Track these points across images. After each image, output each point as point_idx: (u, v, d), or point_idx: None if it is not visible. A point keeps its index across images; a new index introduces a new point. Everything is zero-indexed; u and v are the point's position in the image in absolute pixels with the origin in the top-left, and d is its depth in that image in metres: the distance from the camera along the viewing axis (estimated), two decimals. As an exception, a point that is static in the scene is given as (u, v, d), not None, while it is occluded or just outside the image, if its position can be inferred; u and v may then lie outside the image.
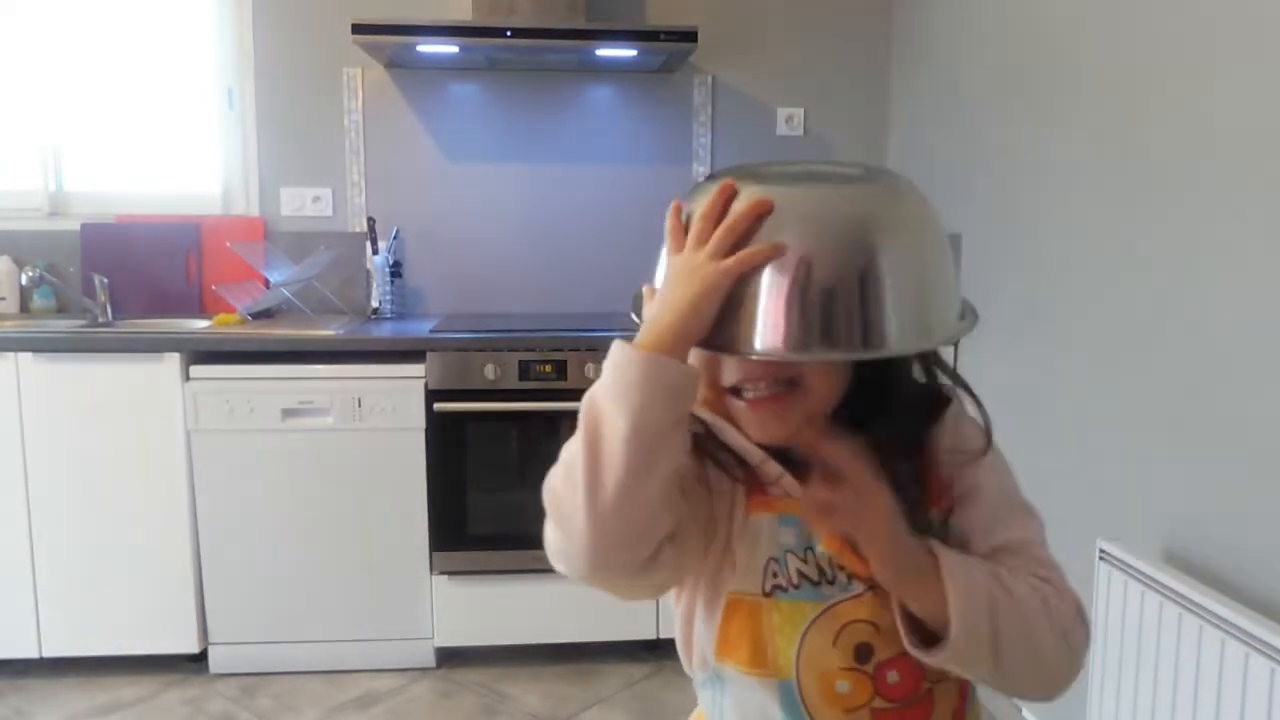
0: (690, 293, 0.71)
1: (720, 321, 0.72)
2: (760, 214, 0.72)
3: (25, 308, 2.90)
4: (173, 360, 2.45)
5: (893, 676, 0.79)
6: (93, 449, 2.46)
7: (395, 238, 2.95)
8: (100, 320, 2.80)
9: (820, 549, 0.80)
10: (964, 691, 0.84)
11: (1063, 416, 2.03)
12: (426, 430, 2.50)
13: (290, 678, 2.56)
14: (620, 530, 0.71)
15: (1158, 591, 1.52)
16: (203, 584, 2.53)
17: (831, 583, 0.80)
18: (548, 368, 2.51)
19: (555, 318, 2.91)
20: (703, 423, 0.80)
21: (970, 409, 0.86)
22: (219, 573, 2.53)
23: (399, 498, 2.53)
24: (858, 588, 0.79)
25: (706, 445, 0.82)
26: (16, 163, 2.95)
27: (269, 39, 2.93)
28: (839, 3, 3.08)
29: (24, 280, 2.80)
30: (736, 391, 0.79)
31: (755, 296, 0.72)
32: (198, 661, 2.59)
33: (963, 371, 0.87)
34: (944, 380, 0.86)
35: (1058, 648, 0.76)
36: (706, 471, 0.82)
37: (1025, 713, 2.18)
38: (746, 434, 0.80)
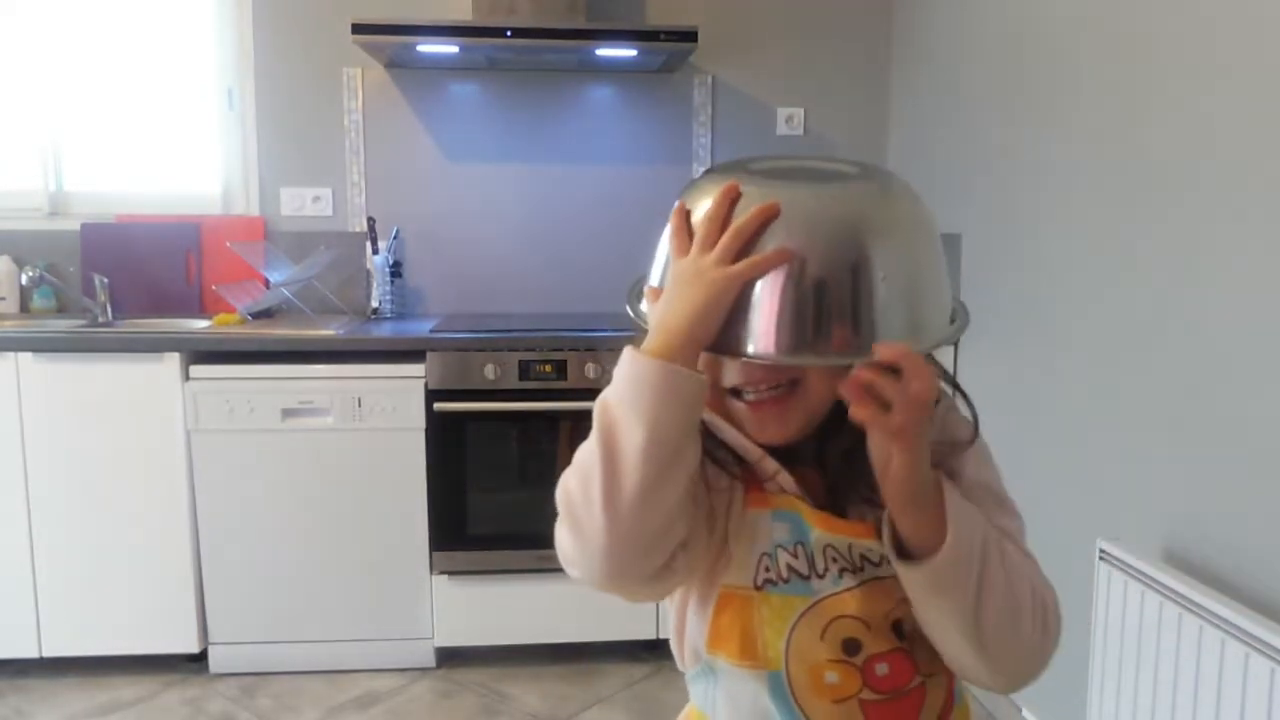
0: (699, 298, 0.71)
1: (730, 327, 0.73)
2: (767, 219, 0.72)
3: (25, 308, 2.90)
4: (173, 360, 2.45)
5: (881, 669, 0.80)
6: (93, 449, 2.46)
7: (395, 238, 2.96)
8: (100, 320, 2.80)
9: (811, 542, 0.80)
10: (950, 687, 0.85)
11: (1063, 416, 2.03)
12: (426, 430, 2.50)
13: (290, 678, 2.56)
14: (637, 539, 0.71)
15: (1158, 591, 1.52)
16: (203, 584, 2.54)
17: (821, 576, 0.80)
18: (548, 368, 2.51)
19: (555, 318, 2.91)
20: (701, 421, 0.80)
21: (962, 408, 0.87)
22: (219, 573, 2.53)
23: (399, 498, 2.53)
24: (848, 581, 0.80)
25: (705, 443, 0.82)
26: (16, 163, 2.96)
27: (269, 39, 2.93)
28: (839, 3, 3.08)
29: (24, 280, 2.80)
30: (736, 392, 0.79)
31: (751, 298, 0.72)
32: (198, 661, 2.59)
33: (963, 371, 0.87)
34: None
35: (1034, 617, 0.77)
36: (705, 470, 0.82)
37: (1025, 712, 2.18)
38: (745, 433, 0.81)
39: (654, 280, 0.81)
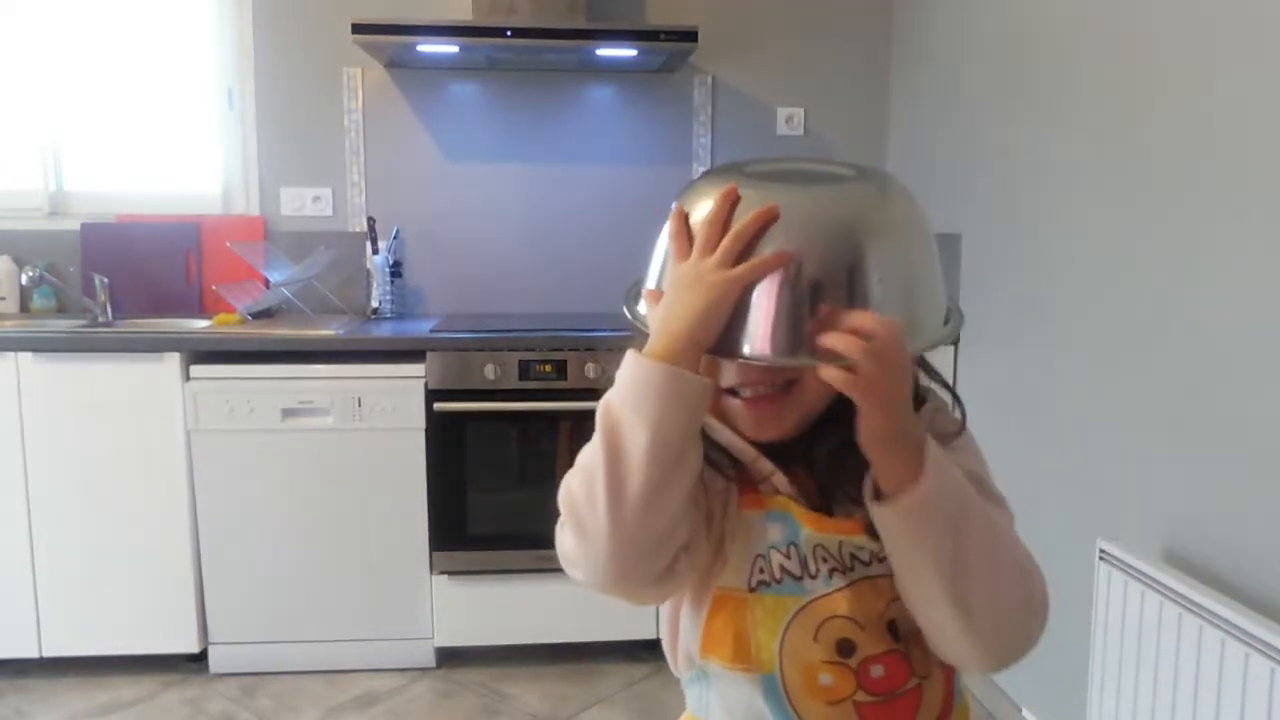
0: (700, 301, 0.72)
1: (728, 330, 0.73)
2: (767, 221, 0.73)
3: (25, 308, 2.90)
4: (173, 360, 2.45)
5: (876, 671, 0.80)
6: (93, 449, 2.46)
7: (395, 238, 2.96)
8: (100, 320, 2.80)
9: (803, 543, 0.80)
10: (949, 687, 0.85)
11: (1063, 416, 2.03)
12: (426, 430, 2.50)
13: (290, 678, 2.56)
14: (641, 541, 0.72)
15: (1158, 591, 1.52)
16: (203, 584, 2.54)
17: (814, 577, 0.80)
18: (548, 368, 2.51)
19: (555, 318, 2.91)
20: None
21: (952, 406, 0.88)
22: (219, 573, 2.53)
23: (399, 498, 2.53)
24: (838, 581, 0.80)
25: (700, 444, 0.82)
26: (16, 163, 2.96)
27: (269, 39, 2.94)
28: (839, 3, 3.08)
29: (24, 280, 2.80)
30: (733, 391, 0.80)
31: (748, 300, 0.73)
32: (198, 661, 2.59)
33: (962, 371, 0.87)
34: (923, 380, 0.87)
35: (1017, 584, 0.75)
36: (702, 472, 0.82)
37: (1025, 712, 2.18)
38: (741, 433, 0.81)
39: (651, 283, 0.81)
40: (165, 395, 2.46)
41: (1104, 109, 1.87)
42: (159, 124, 3.01)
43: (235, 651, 2.57)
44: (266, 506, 2.51)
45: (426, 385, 2.49)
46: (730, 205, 0.74)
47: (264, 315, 2.85)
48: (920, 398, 0.85)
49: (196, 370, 2.46)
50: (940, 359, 0.85)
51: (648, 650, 2.66)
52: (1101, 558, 1.68)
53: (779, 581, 0.81)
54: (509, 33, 2.59)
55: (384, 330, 2.66)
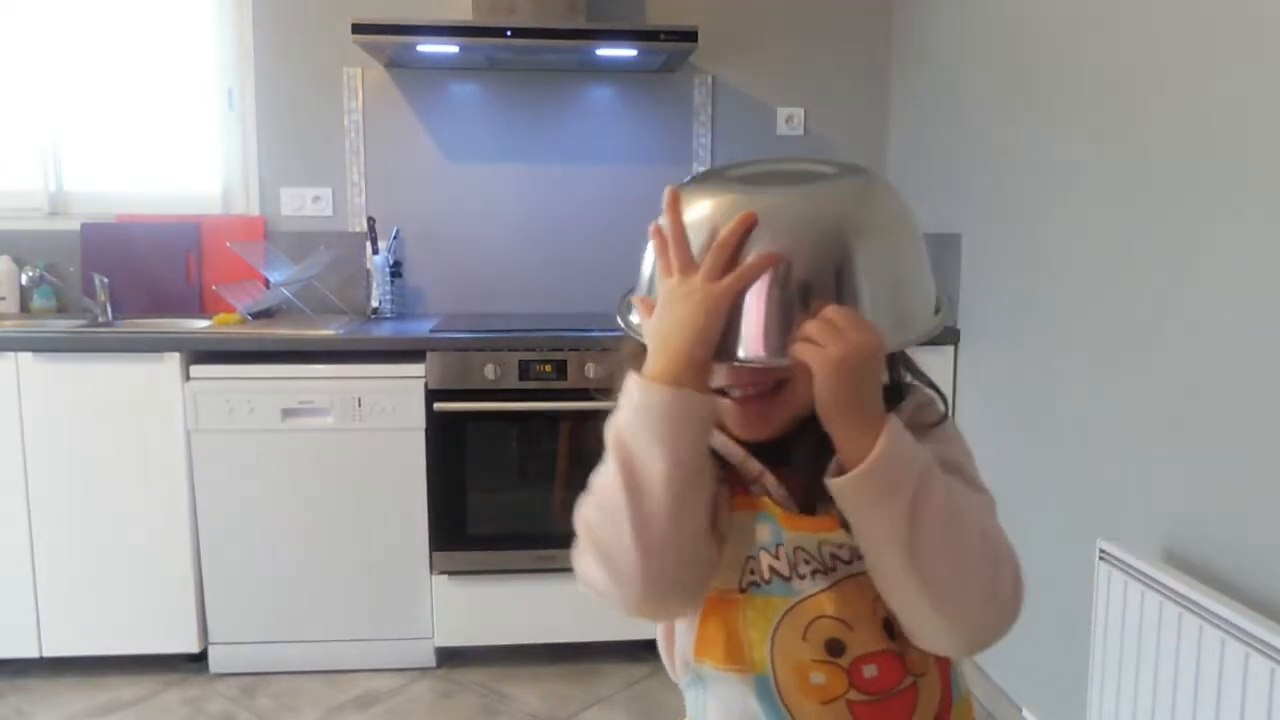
0: (695, 317, 0.73)
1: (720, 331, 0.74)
2: (748, 228, 0.74)
3: (25, 308, 2.90)
4: (173, 360, 2.45)
5: (869, 670, 0.80)
6: (93, 449, 2.46)
7: (395, 238, 2.96)
8: (100, 320, 2.80)
9: (785, 543, 0.81)
10: (946, 685, 0.85)
11: (1063, 416, 2.03)
12: (426, 430, 2.50)
13: (290, 678, 2.56)
14: (673, 565, 0.74)
15: (1158, 591, 1.52)
16: (203, 584, 2.54)
17: (803, 578, 0.80)
18: (548, 368, 2.51)
19: (555, 318, 2.91)
20: None
21: (938, 401, 0.89)
22: (219, 573, 2.53)
23: (399, 498, 2.53)
24: (820, 583, 0.80)
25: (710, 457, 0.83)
26: (16, 163, 2.96)
27: (269, 39, 2.94)
28: (839, 3, 3.08)
29: (24, 280, 2.80)
30: (721, 391, 0.80)
31: (739, 303, 0.74)
32: (198, 661, 2.59)
33: (962, 371, 0.88)
34: (908, 379, 0.88)
35: (983, 556, 0.74)
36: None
37: (1025, 712, 2.18)
38: (730, 432, 0.82)
39: (641, 291, 0.82)
40: (165, 395, 2.46)
41: (1104, 109, 1.87)
42: (159, 124, 3.01)
43: (235, 651, 2.57)
44: (266, 506, 2.51)
45: (426, 385, 2.49)
46: (677, 218, 0.76)
47: (264, 315, 2.85)
48: (900, 394, 0.86)
49: (196, 370, 2.46)
50: (940, 359, 0.86)
51: (648, 650, 2.65)
52: (1101, 558, 1.68)
53: (768, 582, 0.81)
54: (509, 33, 2.59)
55: (384, 330, 2.66)
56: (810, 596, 0.80)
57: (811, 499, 0.81)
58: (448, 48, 2.69)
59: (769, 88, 3.09)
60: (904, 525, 0.72)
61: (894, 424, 0.72)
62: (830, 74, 3.10)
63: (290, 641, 2.57)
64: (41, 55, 2.94)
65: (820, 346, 0.71)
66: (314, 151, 2.99)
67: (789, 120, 3.10)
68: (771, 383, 0.79)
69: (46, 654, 2.52)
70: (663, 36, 2.63)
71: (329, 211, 3.01)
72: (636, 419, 0.73)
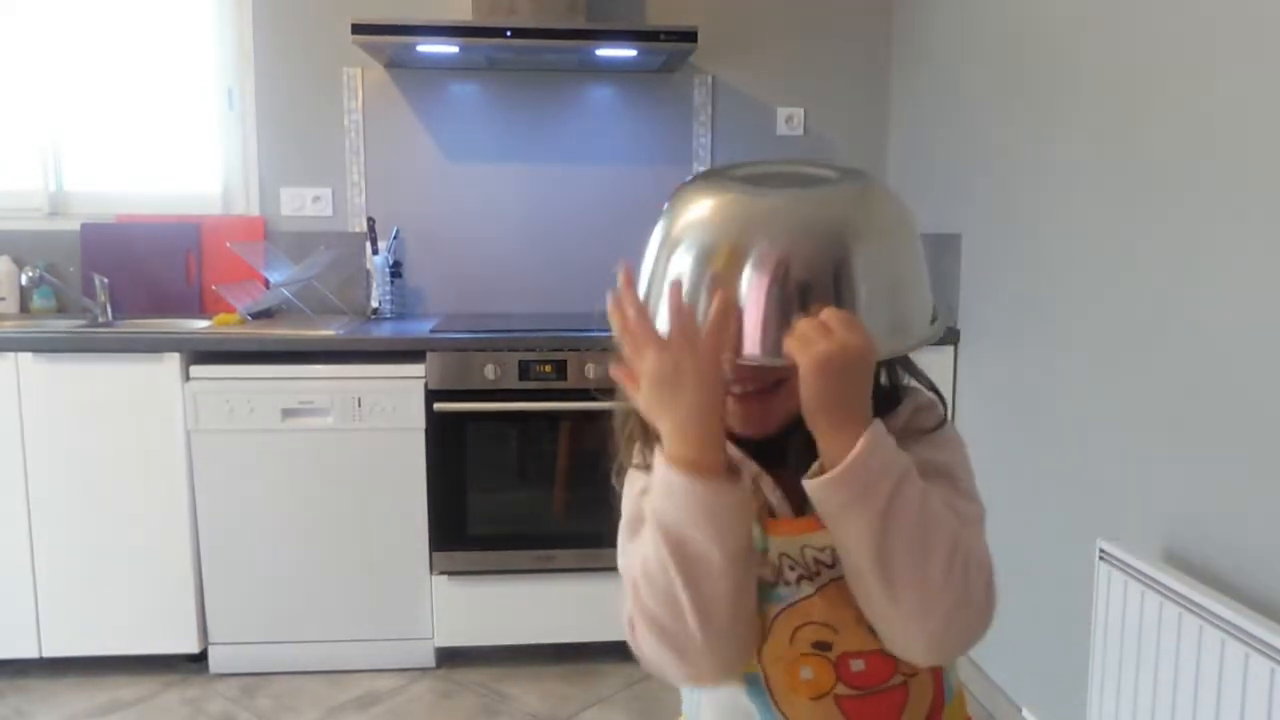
0: (697, 395, 0.73)
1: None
2: (678, 292, 0.74)
3: (25, 308, 2.90)
4: (173, 360, 2.45)
5: (857, 665, 0.81)
6: (93, 449, 2.46)
7: (395, 238, 2.96)
8: (100, 320, 2.80)
9: (771, 548, 0.81)
10: (938, 685, 0.85)
11: (1063, 416, 2.03)
12: (426, 430, 2.50)
13: (290, 678, 2.56)
14: (739, 638, 0.77)
15: (1158, 591, 1.52)
16: (203, 584, 2.54)
17: (789, 584, 0.81)
18: (548, 368, 2.51)
19: (555, 318, 2.91)
20: None
21: (939, 405, 0.89)
22: (219, 573, 2.53)
23: (399, 498, 2.53)
24: (805, 589, 0.81)
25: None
26: (16, 163, 2.96)
27: (269, 39, 2.94)
28: (839, 3, 3.08)
29: (24, 280, 2.80)
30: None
31: (742, 304, 0.75)
32: (198, 661, 2.59)
33: (962, 371, 0.88)
34: (909, 382, 0.88)
35: (950, 564, 0.73)
36: None
37: (1025, 712, 2.18)
38: (730, 428, 0.82)
39: (641, 287, 0.82)
40: (165, 395, 2.46)
41: (1104, 109, 1.87)
42: (159, 124, 3.01)
43: (235, 651, 2.57)
44: (266, 506, 2.51)
45: (426, 385, 2.49)
46: (676, 292, 0.75)
47: (264, 315, 2.85)
48: (896, 396, 0.86)
49: (196, 370, 2.46)
50: (940, 359, 0.86)
51: (648, 650, 2.65)
52: (1101, 558, 1.68)
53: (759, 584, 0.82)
54: (509, 33, 2.59)
55: (384, 330, 2.66)
56: (796, 603, 0.81)
57: (803, 500, 0.82)
58: (448, 48, 2.69)
59: (769, 88, 3.09)
60: (874, 531, 0.72)
61: (876, 429, 0.72)
62: (830, 74, 3.10)
63: (290, 641, 2.57)
64: (41, 55, 2.94)
65: (808, 344, 0.71)
66: (314, 151, 2.99)
67: (789, 120, 3.10)
68: (772, 380, 0.79)
69: (46, 654, 2.52)
70: (663, 36, 2.63)
71: (329, 211, 3.01)
72: (683, 516, 0.73)
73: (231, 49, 2.95)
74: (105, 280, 2.82)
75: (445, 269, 3.05)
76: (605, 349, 2.50)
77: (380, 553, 2.55)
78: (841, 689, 0.81)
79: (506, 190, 3.05)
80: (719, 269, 0.75)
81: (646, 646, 0.77)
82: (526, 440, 2.59)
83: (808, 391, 0.72)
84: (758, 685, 0.82)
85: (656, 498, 0.75)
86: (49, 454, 2.46)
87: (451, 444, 2.53)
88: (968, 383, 2.49)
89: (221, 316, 2.73)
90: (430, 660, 2.62)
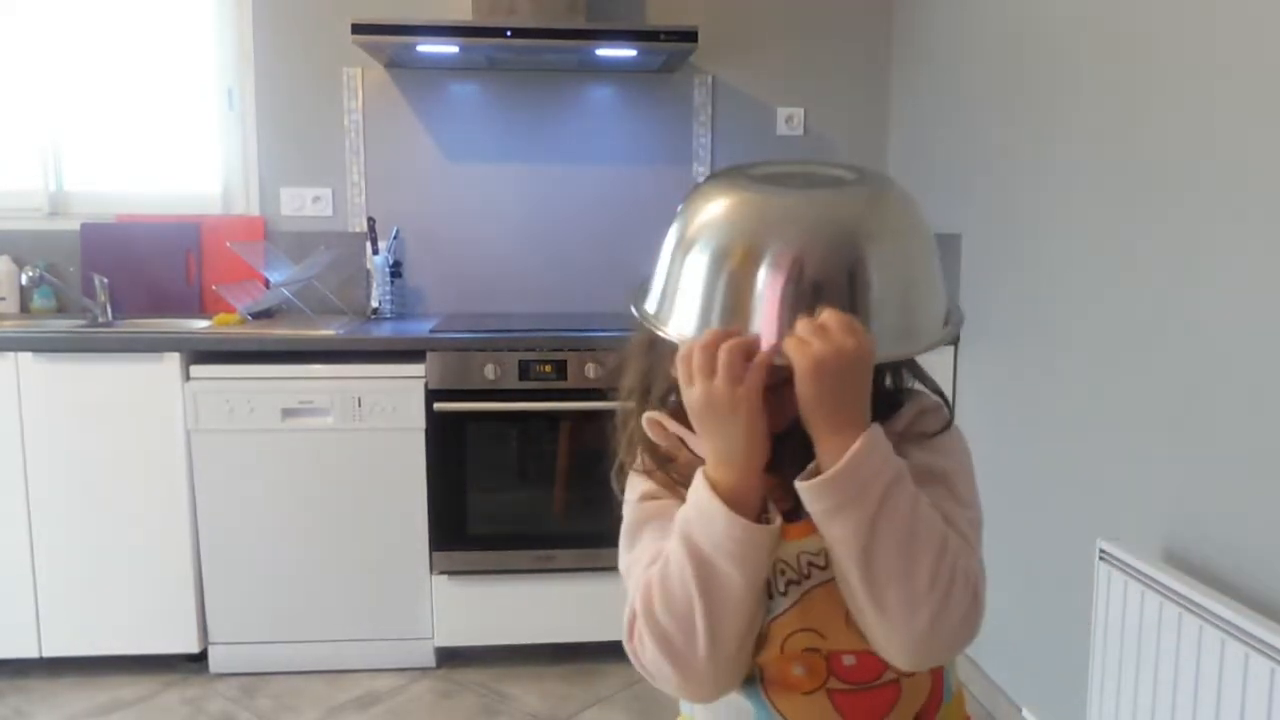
0: (738, 426, 0.74)
1: (724, 324, 0.76)
2: (721, 335, 0.75)
3: (25, 308, 2.90)
4: (173, 360, 2.45)
5: (849, 660, 0.82)
6: (93, 449, 2.46)
7: (395, 238, 2.96)
8: (100, 320, 2.80)
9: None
10: (937, 687, 0.85)
11: (1063, 416, 2.03)
12: (426, 430, 2.50)
13: (290, 678, 2.56)
14: (740, 661, 0.80)
15: (1158, 591, 1.52)
16: (203, 584, 2.54)
17: (783, 593, 0.81)
18: (548, 368, 2.51)
19: (555, 318, 2.91)
20: (680, 440, 0.84)
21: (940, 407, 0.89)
22: (219, 573, 2.53)
23: (399, 498, 2.53)
24: (793, 595, 0.81)
25: (679, 457, 0.85)
26: (16, 163, 2.96)
27: (269, 39, 2.93)
28: (839, 3, 3.08)
29: (24, 280, 2.80)
30: None
31: (752, 302, 0.75)
32: (198, 661, 2.59)
33: (962, 371, 0.88)
34: (914, 385, 0.88)
35: (937, 570, 0.73)
36: (682, 491, 0.84)
37: (1025, 712, 2.18)
38: None
39: (659, 281, 0.83)
40: (165, 395, 2.46)
41: (1104, 109, 1.87)
42: (159, 124, 3.01)
43: (235, 651, 2.57)
44: (266, 506, 2.51)
45: (426, 385, 2.49)
46: (718, 340, 0.75)
47: (264, 315, 2.85)
48: (898, 400, 0.86)
49: (196, 370, 2.46)
50: (940, 359, 0.86)
51: (648, 650, 2.65)
52: (1101, 558, 1.68)
53: None
54: (509, 33, 2.59)
55: (384, 330, 2.66)
56: (785, 611, 0.81)
57: (795, 503, 0.82)
58: (448, 48, 2.69)
59: (769, 88, 3.09)
60: (862, 536, 0.72)
61: (872, 434, 0.73)
62: (830, 74, 3.10)
63: (290, 641, 2.57)
64: (41, 55, 2.94)
65: (804, 346, 0.72)
66: (314, 151, 2.99)
67: (789, 120, 3.10)
68: (784, 379, 0.79)
69: (46, 654, 2.52)
70: (663, 36, 2.63)
71: (329, 211, 3.01)
72: (716, 545, 0.75)
73: (231, 49, 2.95)
74: (105, 280, 2.82)
75: (445, 269, 3.05)
76: (606, 349, 2.51)
77: (380, 553, 2.55)
78: (834, 683, 0.82)
79: (506, 190, 3.05)
80: (734, 268, 0.76)
81: (647, 655, 0.78)
82: (526, 440, 2.59)
83: (803, 393, 0.73)
84: (752, 682, 0.83)
85: (691, 518, 0.76)
86: (49, 454, 2.46)
87: (451, 444, 2.53)
88: (968, 382, 2.49)
89: (221, 316, 2.73)
90: (430, 660, 2.62)
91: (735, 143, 3.09)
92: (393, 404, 2.49)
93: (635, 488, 0.88)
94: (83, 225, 2.91)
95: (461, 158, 3.03)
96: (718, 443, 0.76)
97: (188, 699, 2.47)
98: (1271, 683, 1.26)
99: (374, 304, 2.92)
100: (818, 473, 0.73)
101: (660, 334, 0.81)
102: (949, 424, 0.86)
